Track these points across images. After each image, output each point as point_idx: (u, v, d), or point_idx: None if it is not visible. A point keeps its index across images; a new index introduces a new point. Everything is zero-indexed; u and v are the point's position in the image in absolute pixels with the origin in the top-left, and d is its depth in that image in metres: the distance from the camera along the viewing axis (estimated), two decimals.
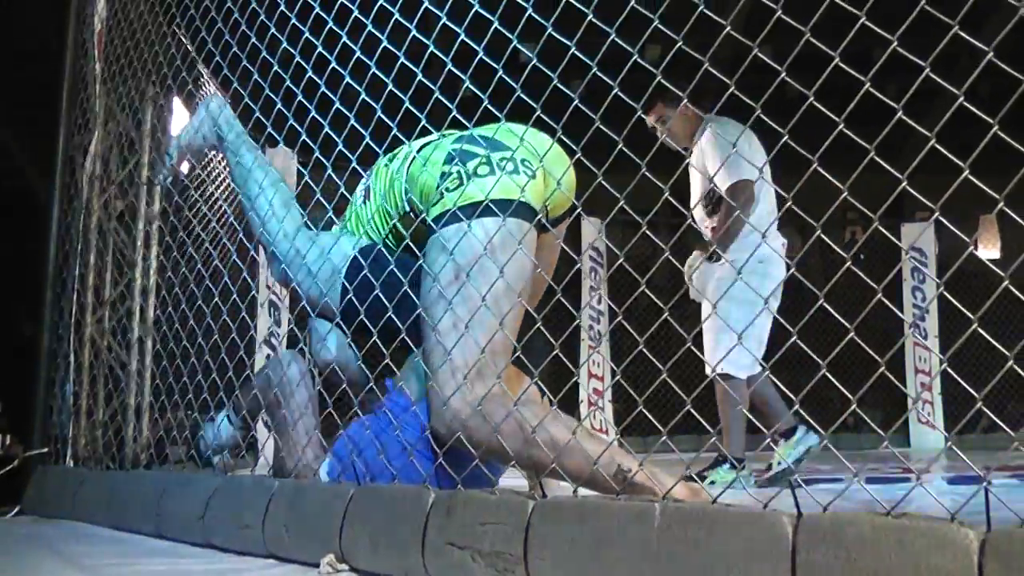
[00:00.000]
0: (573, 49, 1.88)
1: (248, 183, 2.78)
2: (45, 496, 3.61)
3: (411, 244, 2.38)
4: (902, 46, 1.43)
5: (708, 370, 4.34)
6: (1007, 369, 1.28)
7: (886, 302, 1.41)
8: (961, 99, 1.26)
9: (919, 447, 9.27)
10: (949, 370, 1.33)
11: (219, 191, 4.71)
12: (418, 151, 2.44)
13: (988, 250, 10.87)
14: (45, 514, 3.48)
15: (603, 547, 1.55)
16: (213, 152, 3.19)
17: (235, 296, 3.08)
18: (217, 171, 4.62)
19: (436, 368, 2.17)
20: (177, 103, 4.47)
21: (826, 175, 1.47)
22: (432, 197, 2.30)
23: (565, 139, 2.04)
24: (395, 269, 2.32)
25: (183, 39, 3.76)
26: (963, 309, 1.32)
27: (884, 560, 1.21)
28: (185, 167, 3.31)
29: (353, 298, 2.39)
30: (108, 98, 4.37)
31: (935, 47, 1.36)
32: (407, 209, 2.42)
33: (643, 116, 4.65)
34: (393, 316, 2.26)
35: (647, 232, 1.81)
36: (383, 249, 2.41)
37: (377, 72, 2.39)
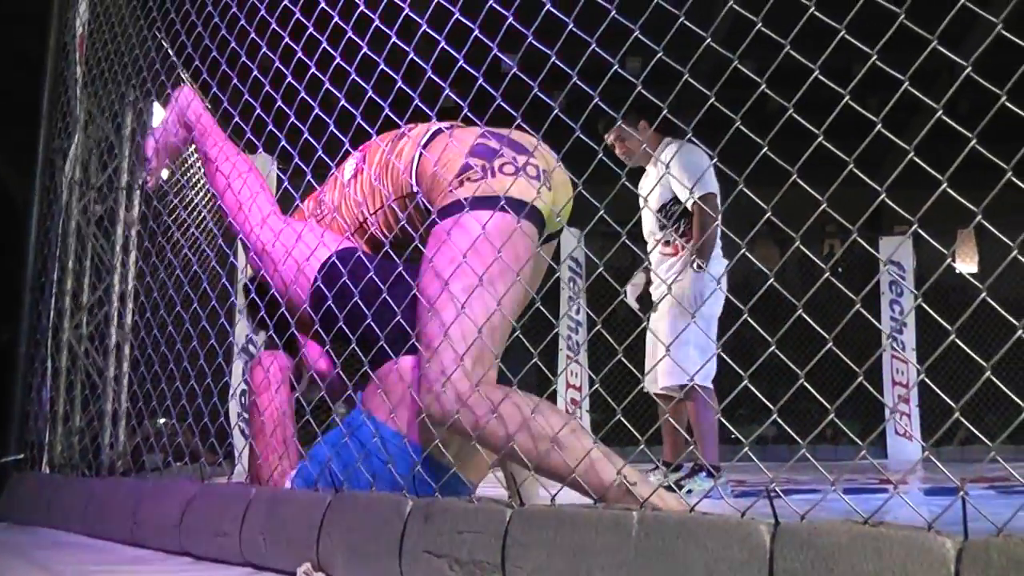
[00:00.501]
0: (554, 59, 1.88)
1: (216, 176, 2.76)
2: (20, 503, 3.59)
3: (408, 227, 2.35)
4: (883, 61, 1.44)
5: (663, 382, 4.45)
6: (984, 380, 1.29)
7: (864, 313, 1.42)
8: (939, 113, 1.27)
9: (896, 459, 9.32)
10: (927, 380, 1.34)
11: (197, 196, 4.70)
12: (429, 138, 2.43)
13: (966, 264, 10.95)
14: (20, 521, 3.45)
15: (581, 555, 1.55)
16: (191, 148, 3.17)
17: (214, 302, 3.07)
18: (196, 175, 4.61)
19: (434, 348, 2.10)
20: (157, 108, 4.46)
21: (805, 187, 1.48)
22: (446, 184, 2.28)
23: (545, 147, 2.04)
24: (374, 276, 2.30)
25: (164, 43, 3.76)
26: (940, 320, 1.33)
27: (861, 568, 1.22)
28: (165, 171, 3.29)
29: (332, 305, 2.36)
30: (89, 102, 4.35)
31: (915, 63, 1.38)
32: (411, 190, 2.39)
33: (603, 134, 4.81)
34: (373, 324, 2.25)
35: (627, 242, 1.82)
36: (362, 256, 2.39)
37: (357, 80, 2.39)
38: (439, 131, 2.43)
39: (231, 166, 2.75)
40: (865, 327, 1.83)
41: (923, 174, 1.37)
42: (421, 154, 2.40)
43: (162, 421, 3.75)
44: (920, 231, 1.34)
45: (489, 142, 2.30)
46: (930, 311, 1.39)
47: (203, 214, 4.48)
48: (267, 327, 2.58)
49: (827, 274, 1.40)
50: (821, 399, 1.48)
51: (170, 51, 3.68)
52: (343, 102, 2.40)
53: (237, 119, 2.89)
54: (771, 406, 1.48)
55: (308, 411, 2.54)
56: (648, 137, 4.86)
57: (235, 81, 2.91)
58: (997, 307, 1.29)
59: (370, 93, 2.33)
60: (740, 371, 1.51)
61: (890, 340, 8.60)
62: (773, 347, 1.44)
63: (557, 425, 1.92)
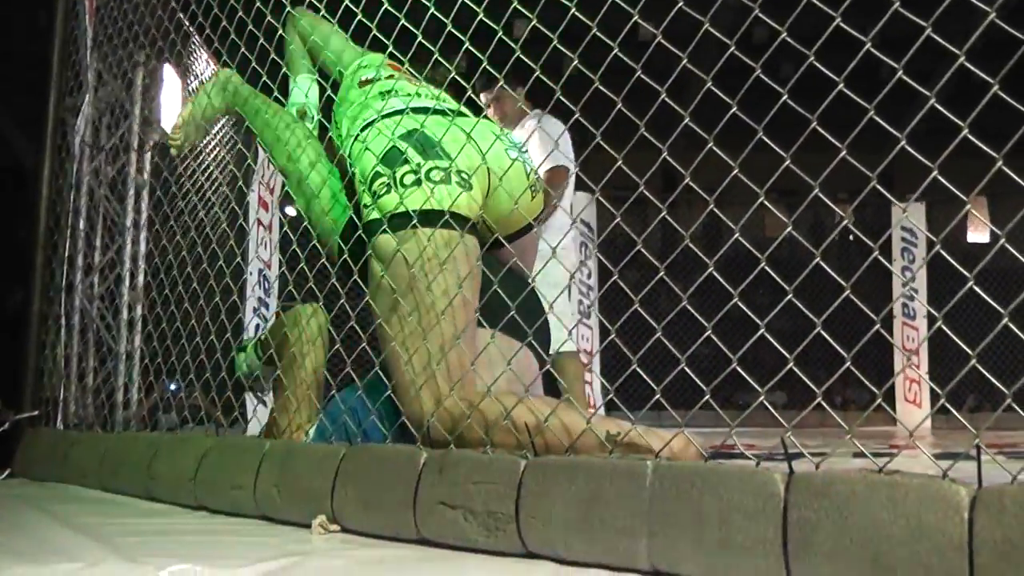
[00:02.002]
0: (573, 9, 1.87)
1: (264, 132, 2.80)
2: (35, 459, 3.61)
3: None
4: (894, 23, 1.43)
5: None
6: (994, 351, 1.30)
7: (881, 259, 1.42)
8: (962, 58, 1.26)
9: (905, 425, 9.33)
10: (944, 327, 1.34)
11: (210, 159, 4.71)
12: (362, 129, 2.48)
13: (977, 233, 10.94)
14: (35, 477, 3.48)
15: (595, 505, 1.56)
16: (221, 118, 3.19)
17: (221, 263, 3.08)
18: (210, 141, 4.62)
19: (398, 380, 2.22)
20: (168, 69, 4.45)
21: (826, 134, 1.48)
22: (364, 193, 2.34)
23: (564, 99, 2.02)
24: None
25: (173, 3, 3.74)
26: (959, 267, 1.32)
27: (876, 516, 1.23)
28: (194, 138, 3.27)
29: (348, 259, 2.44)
30: (99, 63, 4.34)
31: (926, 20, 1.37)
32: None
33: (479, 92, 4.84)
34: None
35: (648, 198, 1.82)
36: None
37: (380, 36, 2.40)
38: (370, 123, 2.48)
39: (280, 121, 2.79)
40: (872, 296, 1.84)
41: (933, 142, 1.36)
42: (355, 142, 2.47)
43: (172, 387, 3.76)
44: (939, 177, 1.33)
45: (404, 144, 2.33)
46: (949, 259, 1.39)
47: (215, 176, 4.49)
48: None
49: (846, 220, 1.40)
50: (837, 347, 1.48)
51: (179, 12, 3.67)
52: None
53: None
54: (788, 355, 1.48)
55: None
56: (522, 104, 4.92)
57: (241, 46, 2.92)
58: (1021, 257, 1.28)
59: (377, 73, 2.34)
60: (758, 321, 1.51)
61: (909, 286, 8.53)
62: (790, 295, 1.45)
63: (542, 411, 1.97)
